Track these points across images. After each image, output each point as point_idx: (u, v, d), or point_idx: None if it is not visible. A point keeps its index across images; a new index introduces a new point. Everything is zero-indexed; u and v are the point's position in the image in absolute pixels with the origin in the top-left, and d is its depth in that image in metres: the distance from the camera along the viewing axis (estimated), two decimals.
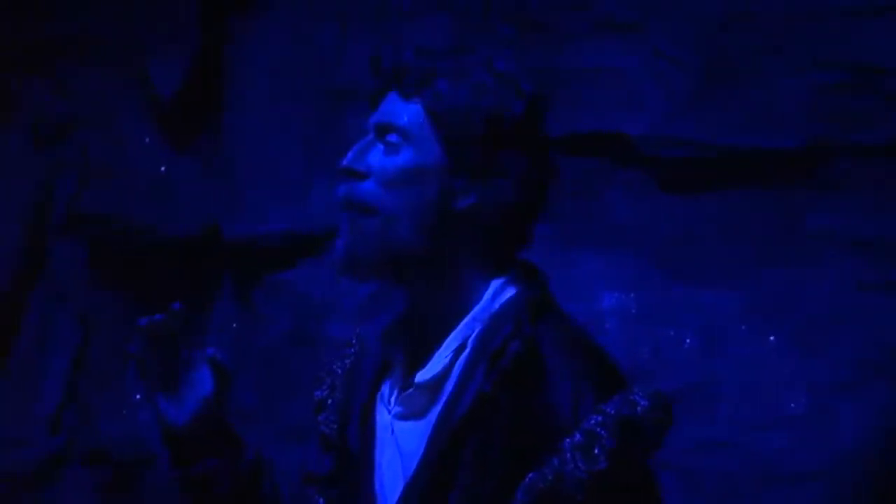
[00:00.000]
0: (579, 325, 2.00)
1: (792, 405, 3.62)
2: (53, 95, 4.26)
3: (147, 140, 4.21)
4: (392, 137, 1.98)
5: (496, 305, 1.97)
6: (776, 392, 3.63)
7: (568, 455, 1.88)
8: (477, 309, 1.96)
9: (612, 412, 1.89)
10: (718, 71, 3.74)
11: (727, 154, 3.73)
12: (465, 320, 1.96)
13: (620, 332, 3.69)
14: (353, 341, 2.15)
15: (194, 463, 2.04)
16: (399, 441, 1.99)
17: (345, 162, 2.00)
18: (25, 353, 4.26)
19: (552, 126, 2.07)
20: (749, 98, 3.71)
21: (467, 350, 1.95)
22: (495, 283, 1.98)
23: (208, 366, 2.05)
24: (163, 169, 4.18)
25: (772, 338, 3.66)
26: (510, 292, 1.98)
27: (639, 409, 1.90)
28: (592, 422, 1.89)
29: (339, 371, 2.12)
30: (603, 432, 1.88)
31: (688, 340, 3.71)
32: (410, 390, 1.98)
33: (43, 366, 4.24)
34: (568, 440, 1.88)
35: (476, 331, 1.95)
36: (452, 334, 1.96)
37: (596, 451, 1.88)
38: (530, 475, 1.89)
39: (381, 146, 1.99)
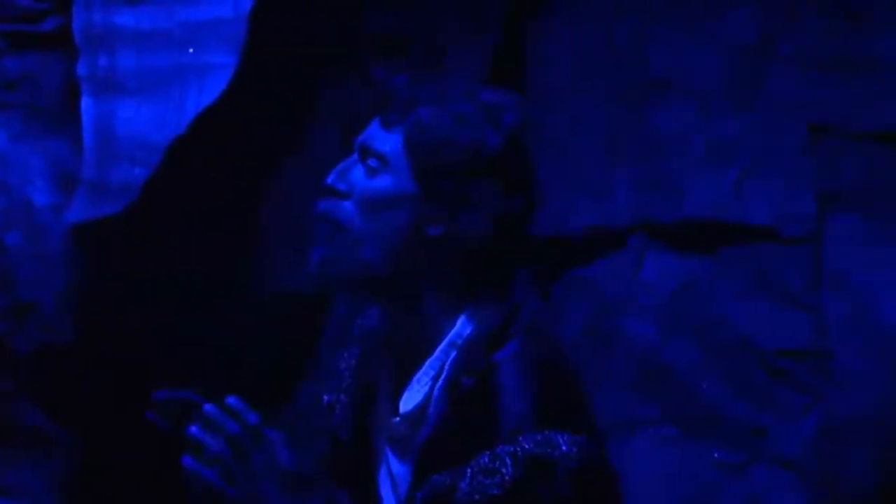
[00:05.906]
0: (554, 351, 2.00)
1: None
2: (362, 92, 4.35)
3: None
4: (372, 161, 2.01)
5: (468, 331, 1.98)
6: None
7: (469, 471, 1.89)
8: (451, 334, 1.99)
9: (527, 447, 1.88)
10: None
11: None
12: (441, 346, 1.99)
13: None
14: (355, 336, 2.14)
15: None
16: (391, 463, 2.03)
17: (328, 179, 2.03)
18: None
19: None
20: None
21: (443, 376, 1.98)
22: (470, 309, 1.99)
23: None
24: None
25: None
26: (485, 317, 1.99)
27: (557, 452, 1.87)
28: (504, 450, 1.88)
29: (346, 373, 2.13)
30: (508, 461, 1.87)
31: None
32: (396, 419, 2.02)
33: None
34: (481, 458, 1.89)
35: (451, 356, 1.98)
36: (429, 360, 1.99)
37: (495, 478, 1.87)
38: (435, 476, 1.91)
39: (362, 167, 2.02)
